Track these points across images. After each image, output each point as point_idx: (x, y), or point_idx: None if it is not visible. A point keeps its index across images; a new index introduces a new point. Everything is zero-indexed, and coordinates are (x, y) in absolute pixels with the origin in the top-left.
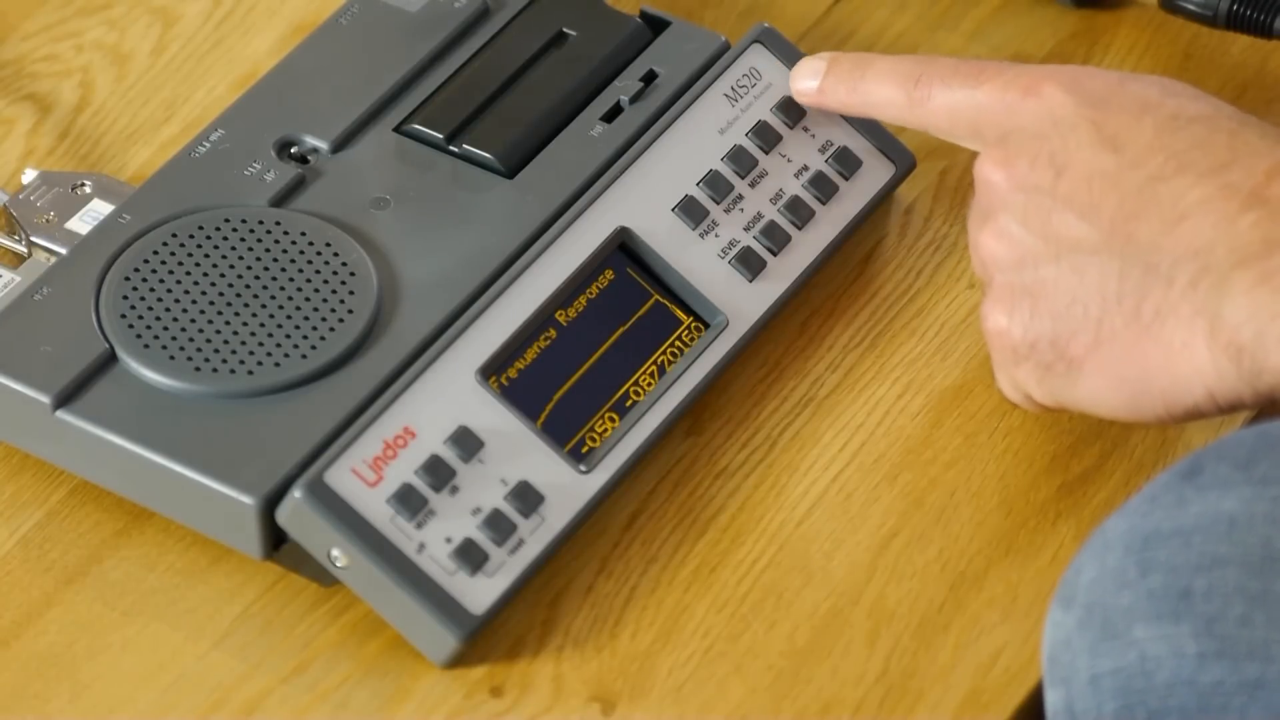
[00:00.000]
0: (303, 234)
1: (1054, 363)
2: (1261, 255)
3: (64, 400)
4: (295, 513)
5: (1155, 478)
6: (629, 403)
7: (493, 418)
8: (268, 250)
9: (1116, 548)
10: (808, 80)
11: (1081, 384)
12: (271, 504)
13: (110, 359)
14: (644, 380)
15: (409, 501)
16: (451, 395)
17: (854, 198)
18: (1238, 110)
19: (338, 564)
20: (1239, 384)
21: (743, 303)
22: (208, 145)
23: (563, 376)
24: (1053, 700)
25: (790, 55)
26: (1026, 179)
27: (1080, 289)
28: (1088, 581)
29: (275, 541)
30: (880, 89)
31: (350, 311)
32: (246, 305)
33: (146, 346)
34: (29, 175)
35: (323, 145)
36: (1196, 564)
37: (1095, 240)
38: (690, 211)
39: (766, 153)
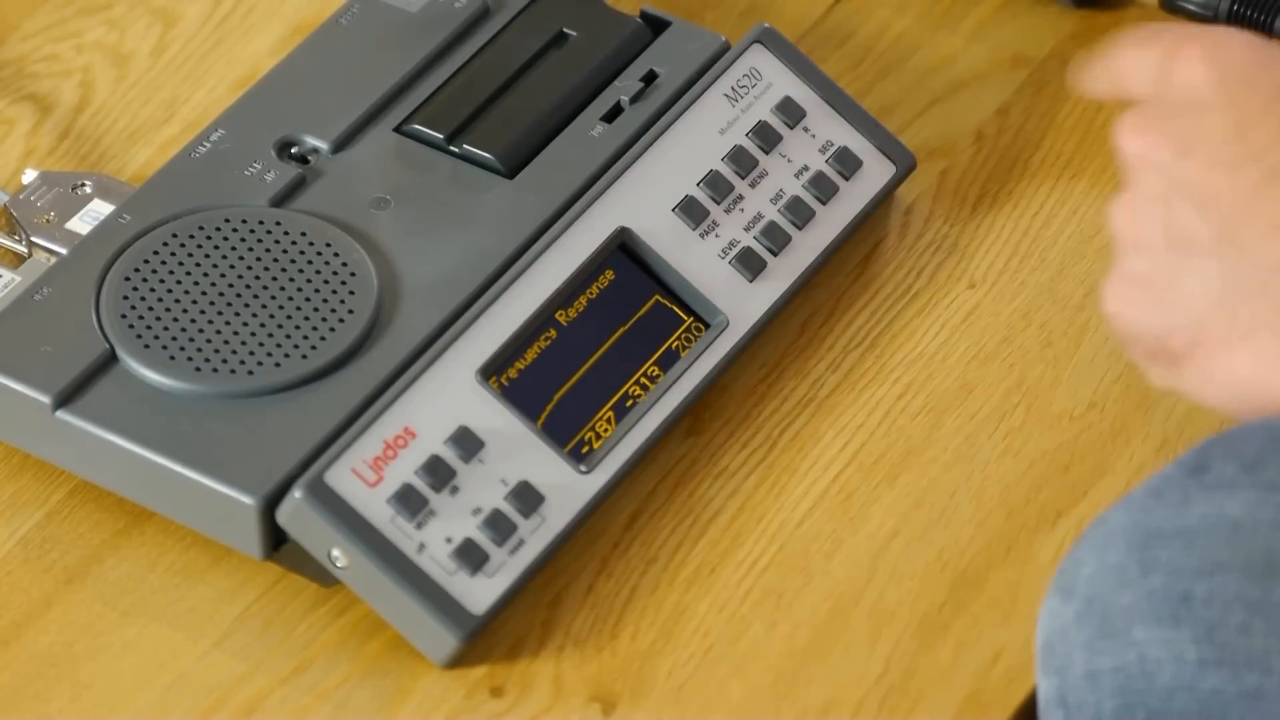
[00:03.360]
0: (303, 234)
1: (1158, 353)
2: None
3: (64, 400)
4: (295, 513)
5: (1161, 470)
6: (629, 403)
7: (493, 418)
8: (268, 250)
9: (1118, 543)
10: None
11: (1183, 378)
12: (271, 504)
13: (110, 359)
14: (644, 380)
15: (409, 501)
16: (451, 395)
17: (854, 198)
18: None
19: (338, 564)
20: None
21: (743, 303)
22: (208, 145)
23: (563, 376)
24: (1045, 688)
25: (790, 56)
26: (1156, 155)
27: (1184, 288)
28: (1088, 575)
29: (275, 541)
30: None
31: (350, 311)
32: (246, 305)
33: (146, 346)
34: (29, 175)
35: (323, 145)
36: (1198, 567)
37: (1206, 239)
38: (690, 211)
39: (766, 153)
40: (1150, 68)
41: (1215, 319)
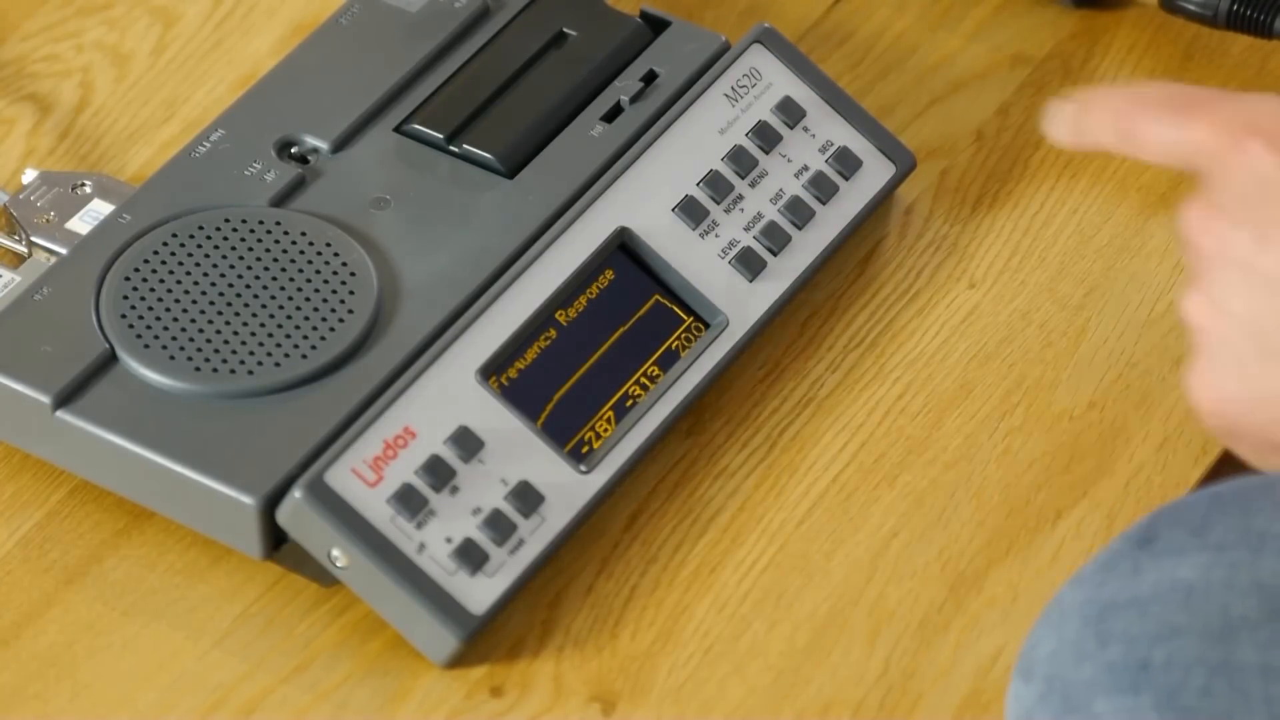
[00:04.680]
0: (303, 234)
1: (1261, 444)
2: None
3: (64, 400)
4: (295, 513)
5: (1109, 544)
6: (629, 403)
7: (493, 418)
8: (268, 250)
9: (1073, 619)
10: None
11: None
12: (271, 504)
13: (110, 359)
14: (644, 380)
15: (409, 501)
16: (451, 395)
17: (854, 198)
18: None
19: (338, 564)
20: None
21: (743, 303)
22: (208, 145)
23: (563, 376)
24: None
25: (790, 56)
26: (1228, 248)
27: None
28: (1046, 654)
29: (275, 541)
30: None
31: (350, 311)
32: (246, 305)
33: (146, 346)
34: (29, 175)
35: (323, 145)
36: (1155, 634)
37: None
38: (690, 211)
39: (766, 153)
40: (1211, 154)
41: None
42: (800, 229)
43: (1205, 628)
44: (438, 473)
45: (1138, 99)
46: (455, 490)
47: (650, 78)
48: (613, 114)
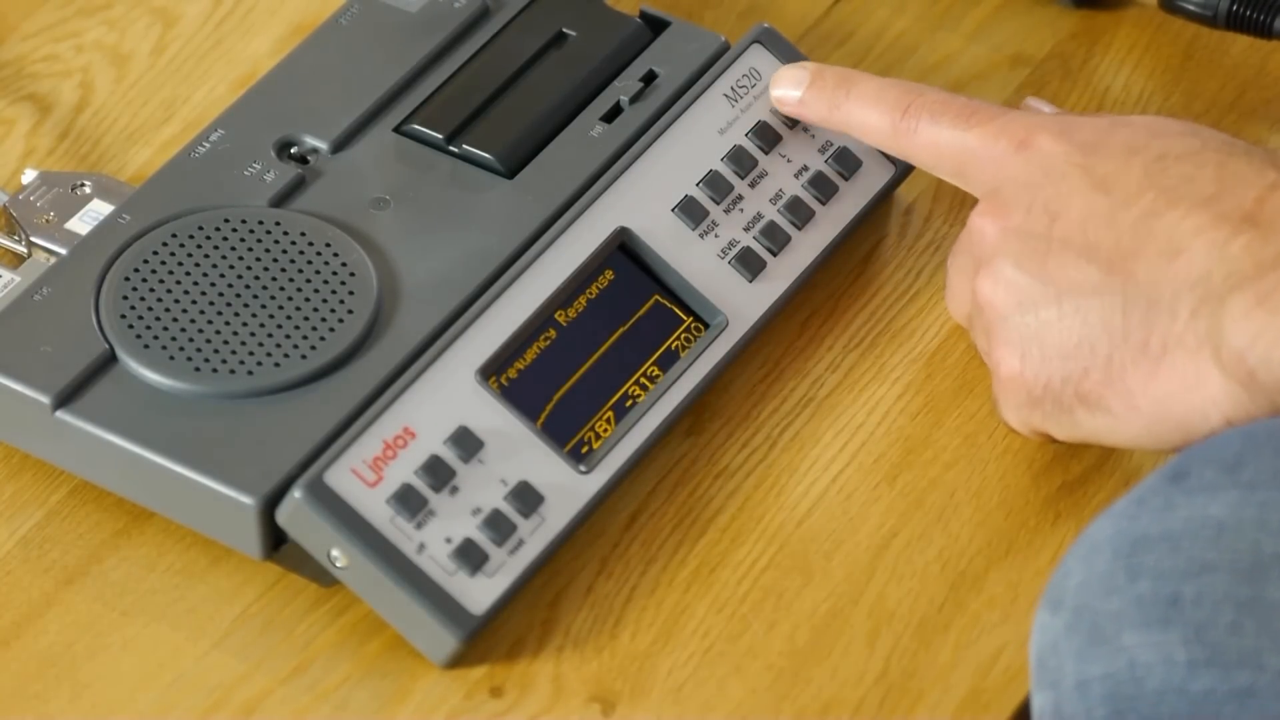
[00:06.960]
0: (303, 234)
1: (1070, 401)
2: (1254, 276)
3: (64, 400)
4: (295, 513)
5: (1142, 480)
6: (629, 403)
7: (493, 418)
8: (268, 250)
9: (1104, 551)
10: (789, 89)
11: (1098, 419)
12: (271, 504)
13: (110, 359)
14: (644, 380)
15: (409, 502)
16: (451, 395)
17: (854, 198)
18: (1224, 138)
19: (337, 564)
20: (1253, 408)
21: (743, 303)
22: (208, 145)
23: (563, 376)
24: (1040, 703)
25: (790, 56)
26: (1022, 226)
27: (1086, 328)
28: (1075, 585)
29: (275, 542)
30: (865, 112)
31: (350, 311)
32: (246, 305)
33: (146, 346)
34: (29, 175)
35: (323, 145)
36: (1185, 570)
37: (1096, 280)
38: (690, 211)
39: (766, 153)
40: (994, 157)
41: (1124, 350)
42: (800, 229)
43: (1235, 565)
44: (437, 473)
45: (909, 94)
46: (455, 490)
47: (650, 78)
48: (612, 114)
